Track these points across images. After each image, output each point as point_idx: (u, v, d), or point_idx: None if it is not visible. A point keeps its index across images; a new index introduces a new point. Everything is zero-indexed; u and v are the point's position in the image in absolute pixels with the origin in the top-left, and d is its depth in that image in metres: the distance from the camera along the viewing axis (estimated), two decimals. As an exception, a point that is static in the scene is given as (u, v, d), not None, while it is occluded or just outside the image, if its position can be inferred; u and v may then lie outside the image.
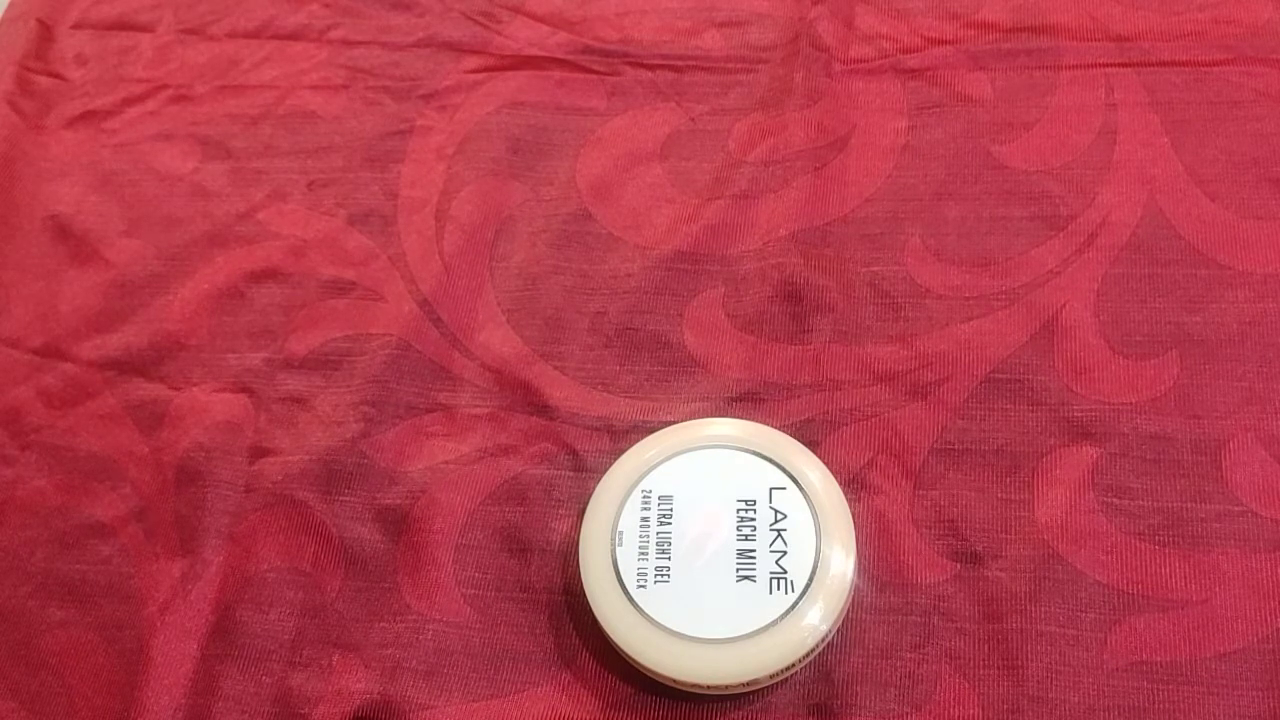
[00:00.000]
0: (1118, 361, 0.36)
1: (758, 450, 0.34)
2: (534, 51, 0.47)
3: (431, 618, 0.35)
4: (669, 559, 0.33)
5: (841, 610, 0.32)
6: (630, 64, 0.46)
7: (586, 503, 0.35)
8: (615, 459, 0.35)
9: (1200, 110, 0.41)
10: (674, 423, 0.37)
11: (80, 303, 0.43)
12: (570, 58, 0.47)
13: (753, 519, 0.33)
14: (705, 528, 0.33)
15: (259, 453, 0.39)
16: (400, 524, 0.37)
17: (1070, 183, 0.40)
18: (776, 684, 0.33)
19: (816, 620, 0.31)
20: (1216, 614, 0.32)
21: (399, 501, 0.37)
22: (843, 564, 0.32)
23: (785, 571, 0.32)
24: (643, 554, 0.33)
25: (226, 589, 0.36)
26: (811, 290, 0.39)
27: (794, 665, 0.32)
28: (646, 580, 0.32)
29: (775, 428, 0.36)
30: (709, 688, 0.32)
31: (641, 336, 0.39)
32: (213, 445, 0.39)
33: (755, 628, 0.31)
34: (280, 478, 0.38)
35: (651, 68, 0.46)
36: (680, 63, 0.46)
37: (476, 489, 0.37)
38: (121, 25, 0.52)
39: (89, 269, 0.44)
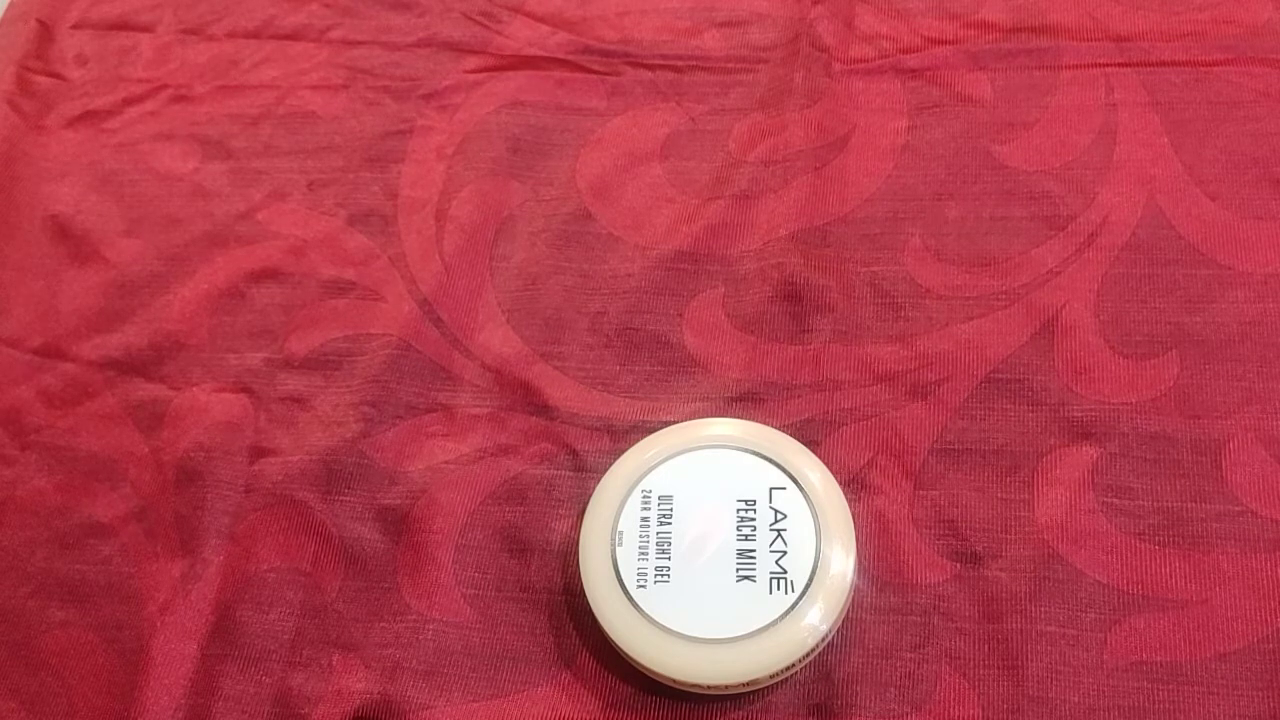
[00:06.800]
0: (1118, 361, 0.36)
1: (758, 450, 0.34)
2: (534, 51, 0.47)
3: (431, 618, 0.35)
4: (669, 559, 0.33)
5: (841, 610, 0.32)
6: (630, 64, 0.46)
7: (586, 503, 0.35)
8: (615, 459, 0.35)
9: (1200, 110, 0.41)
10: (674, 423, 0.37)
11: (80, 303, 0.43)
12: (570, 58, 0.47)
13: (753, 519, 0.33)
14: (705, 528, 0.33)
15: (259, 453, 0.39)
16: (400, 524, 0.37)
17: (1070, 183, 0.40)
18: (776, 684, 0.33)
19: (816, 620, 0.31)
20: (1216, 614, 0.32)
21: (399, 501, 0.37)
22: (843, 564, 0.32)
23: (785, 571, 0.32)
24: (643, 554, 0.33)
25: (226, 589, 0.36)
26: (811, 290, 0.39)
27: (794, 665, 0.32)
28: (646, 580, 0.32)
29: (775, 428, 0.36)
30: (709, 688, 0.32)
31: (641, 336, 0.39)
32: (213, 445, 0.39)
33: (755, 628, 0.31)
34: (280, 478, 0.38)
35: (651, 68, 0.46)
36: (680, 63, 0.46)
37: (476, 489, 0.37)
38: (121, 25, 0.52)
39: (89, 269, 0.44)
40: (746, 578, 0.32)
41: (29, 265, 0.45)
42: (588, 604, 0.33)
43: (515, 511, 0.37)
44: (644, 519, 0.33)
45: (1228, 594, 0.32)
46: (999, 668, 0.32)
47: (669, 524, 0.33)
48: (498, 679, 0.34)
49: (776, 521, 0.33)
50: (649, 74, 0.46)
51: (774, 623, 0.31)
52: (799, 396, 0.37)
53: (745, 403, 0.37)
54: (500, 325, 0.40)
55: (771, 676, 0.32)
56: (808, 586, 0.32)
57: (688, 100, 0.45)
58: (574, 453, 0.37)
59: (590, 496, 0.35)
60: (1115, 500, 0.34)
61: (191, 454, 0.39)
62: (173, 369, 0.41)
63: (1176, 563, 0.33)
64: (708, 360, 0.39)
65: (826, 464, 0.34)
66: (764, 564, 0.32)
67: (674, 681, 0.32)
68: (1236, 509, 0.34)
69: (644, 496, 0.34)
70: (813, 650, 0.32)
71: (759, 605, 0.31)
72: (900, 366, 0.37)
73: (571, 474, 0.37)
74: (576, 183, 0.43)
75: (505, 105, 0.46)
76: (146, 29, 0.51)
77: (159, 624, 0.36)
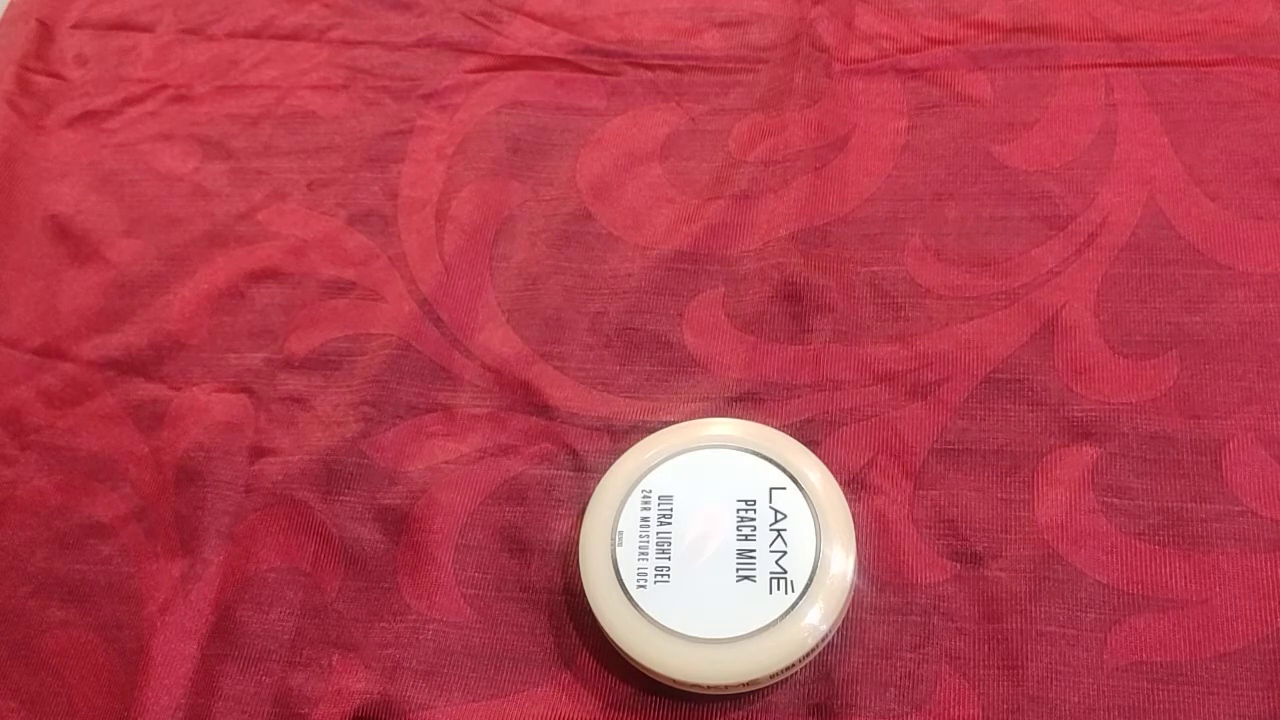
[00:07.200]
0: (1118, 361, 0.36)
1: (758, 450, 0.34)
2: (534, 51, 0.47)
3: (431, 618, 0.35)
4: (669, 559, 0.33)
5: (841, 610, 0.32)
6: (630, 64, 0.46)
7: (586, 503, 0.35)
8: (615, 459, 0.35)
9: (1200, 110, 0.41)
10: (674, 423, 0.37)
11: (80, 303, 0.43)
12: (570, 58, 0.47)
13: (753, 519, 0.33)
14: (705, 528, 0.33)
15: (259, 453, 0.39)
16: (400, 524, 0.37)
17: (1070, 183, 0.40)
18: (776, 684, 0.33)
19: (816, 620, 0.31)
20: (1216, 614, 0.32)
21: (399, 501, 0.37)
22: (843, 564, 0.32)
23: (785, 571, 0.32)
24: (643, 554, 0.33)
25: (226, 589, 0.36)
26: (811, 290, 0.39)
27: (794, 665, 0.32)
28: (646, 580, 0.32)
29: (775, 428, 0.36)
30: (709, 688, 0.32)
31: (641, 336, 0.39)
32: (213, 445, 0.39)
33: (755, 628, 0.31)
34: (280, 478, 0.38)
35: (651, 68, 0.46)
36: (680, 63, 0.46)
37: (476, 489, 0.37)
38: (121, 25, 0.52)
39: (89, 269, 0.44)
40: (746, 578, 0.32)
41: (29, 265, 0.45)
42: (588, 604, 0.33)
43: (515, 511, 0.37)
44: (644, 519, 0.33)
45: (1228, 594, 0.32)
46: (999, 668, 0.32)
47: (669, 524, 0.33)
48: (498, 679, 0.34)
49: (776, 521, 0.33)
50: (649, 74, 0.46)
51: (774, 623, 0.31)
52: (799, 396, 0.37)
53: (745, 403, 0.37)
54: (500, 325, 0.40)
55: (771, 676, 0.32)
56: (808, 586, 0.32)
57: (688, 100, 0.45)
58: (574, 453, 0.37)
59: (590, 496, 0.35)
60: (1115, 500, 0.34)
61: (191, 454, 0.39)
62: (173, 369, 0.41)
63: (1176, 563, 0.33)
64: (708, 360, 0.39)
65: (826, 464, 0.34)
66: (764, 564, 0.32)
67: (674, 681, 0.32)
68: (1236, 509, 0.34)
69: (644, 496, 0.34)
70: (813, 650, 0.32)
71: (759, 605, 0.31)
72: (900, 366, 0.37)
73: (571, 474, 0.37)
74: (576, 183, 0.43)
75: (505, 105, 0.46)
76: (146, 29, 0.51)
77: (159, 624, 0.36)
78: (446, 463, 0.38)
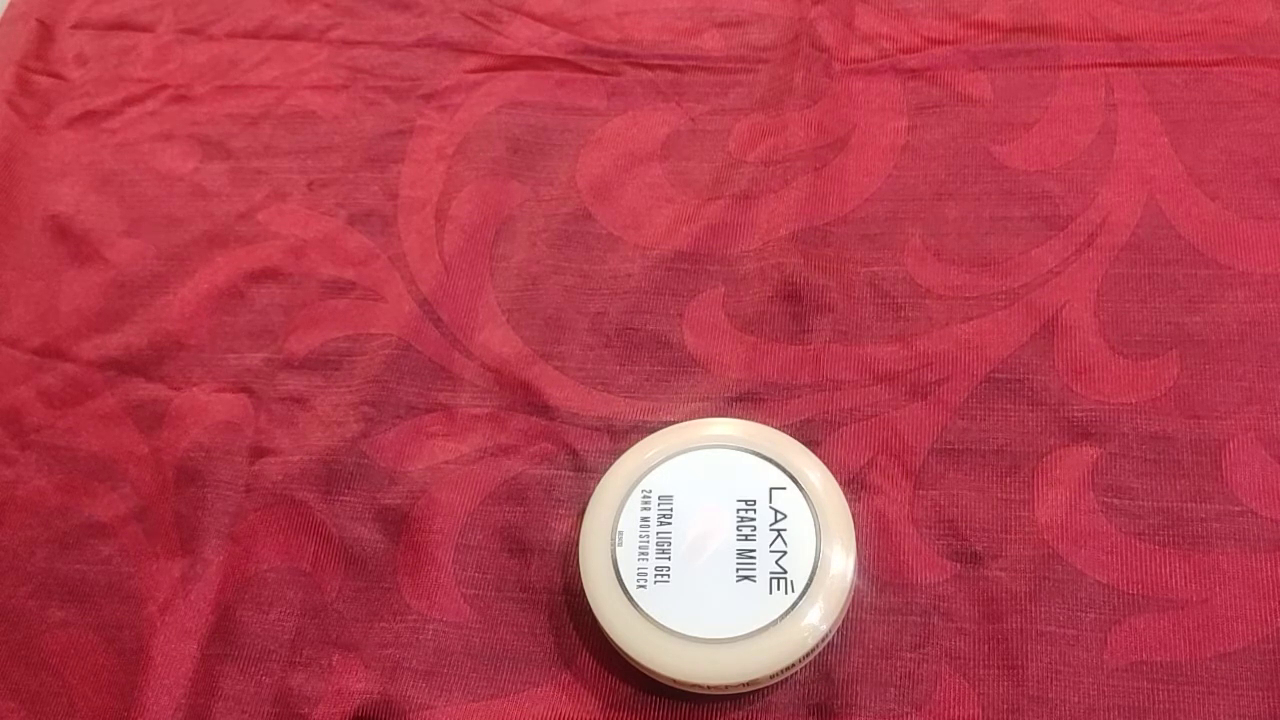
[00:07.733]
0: (1118, 361, 0.36)
1: (758, 450, 0.34)
2: (534, 51, 0.47)
3: (431, 618, 0.35)
4: (669, 559, 0.33)
5: (841, 610, 0.32)
6: (630, 64, 0.46)
7: (586, 503, 0.35)
8: (615, 459, 0.35)
9: (1200, 110, 0.41)
10: (674, 423, 0.37)
11: (80, 303, 0.43)
12: (570, 58, 0.47)
13: (753, 519, 0.33)
14: (705, 528, 0.33)
15: (259, 453, 0.39)
16: (400, 524, 0.37)
17: (1070, 183, 0.40)
18: (776, 684, 0.33)
19: (816, 620, 0.31)
20: (1216, 614, 0.32)
21: (399, 501, 0.37)
22: (843, 564, 0.32)
23: (785, 571, 0.32)
24: (643, 554, 0.33)
25: (226, 589, 0.36)
26: (811, 290, 0.39)
27: (794, 665, 0.32)
28: (646, 580, 0.32)
29: (775, 428, 0.36)
30: (709, 688, 0.32)
31: (641, 336, 0.39)
32: (213, 445, 0.39)
33: (755, 628, 0.31)
34: (280, 478, 0.38)
35: (651, 68, 0.46)
36: (680, 63, 0.46)
37: (476, 489, 0.37)
38: (121, 25, 0.52)
39: (89, 269, 0.44)
40: (746, 578, 0.32)
41: (29, 265, 0.45)
42: (588, 604, 0.33)
43: (515, 511, 0.37)
44: (644, 519, 0.33)
45: (1228, 594, 0.32)
46: (999, 668, 0.32)
47: (669, 524, 0.33)
48: (498, 679, 0.34)
49: (776, 521, 0.33)
50: (649, 74, 0.46)
51: (774, 623, 0.31)
52: (799, 396, 0.37)
53: (745, 403, 0.37)
54: (500, 325, 0.40)
55: (771, 676, 0.32)
56: (808, 586, 0.32)
57: (688, 100, 0.45)
58: (574, 453, 0.37)
59: (590, 496, 0.35)
60: (1115, 500, 0.34)
61: (191, 454, 0.39)
62: (173, 369, 0.41)
63: (1176, 563, 0.33)
64: (708, 360, 0.39)
65: (826, 464, 0.34)
66: (764, 564, 0.32)
67: (674, 681, 0.32)
68: (1236, 509, 0.34)
69: (644, 496, 0.34)
70: (813, 650, 0.32)
71: (759, 605, 0.31)
72: (900, 366, 0.37)
73: (571, 474, 0.37)
74: (576, 183, 0.43)
75: (505, 105, 0.46)
76: (146, 29, 0.51)
77: (159, 624, 0.36)
78: (446, 463, 0.38)
